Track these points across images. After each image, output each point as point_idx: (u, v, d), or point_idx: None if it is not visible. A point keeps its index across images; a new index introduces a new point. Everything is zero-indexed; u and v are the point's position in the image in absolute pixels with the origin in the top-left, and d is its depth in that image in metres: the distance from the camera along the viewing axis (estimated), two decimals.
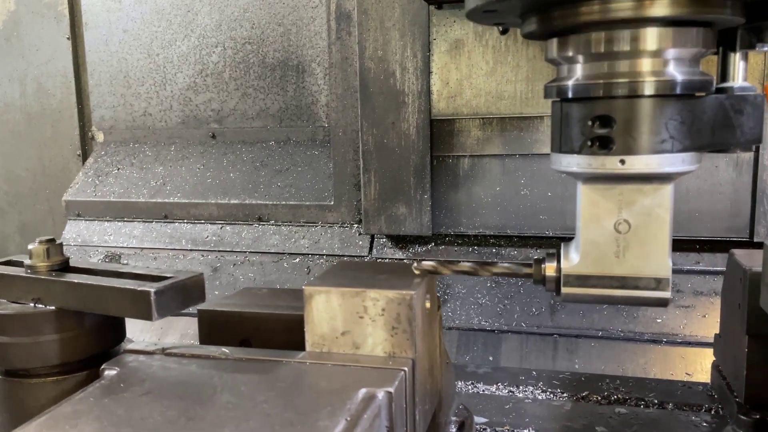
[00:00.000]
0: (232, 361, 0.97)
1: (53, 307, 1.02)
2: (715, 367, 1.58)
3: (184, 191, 2.42)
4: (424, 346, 1.02)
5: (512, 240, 2.11)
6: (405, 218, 2.09)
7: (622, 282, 1.05)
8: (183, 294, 1.00)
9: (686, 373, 1.86)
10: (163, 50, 2.47)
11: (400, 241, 2.18)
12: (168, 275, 1.02)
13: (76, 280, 1.01)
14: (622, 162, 0.97)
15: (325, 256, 2.25)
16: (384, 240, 2.20)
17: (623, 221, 1.04)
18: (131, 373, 0.93)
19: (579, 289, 1.07)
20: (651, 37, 0.95)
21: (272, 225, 2.34)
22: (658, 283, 1.04)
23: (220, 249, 2.35)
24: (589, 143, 0.99)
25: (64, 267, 1.08)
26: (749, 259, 1.34)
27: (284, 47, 2.36)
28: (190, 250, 2.37)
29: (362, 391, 0.85)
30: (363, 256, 2.20)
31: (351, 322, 0.98)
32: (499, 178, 2.06)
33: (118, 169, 2.56)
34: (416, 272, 1.13)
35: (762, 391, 1.32)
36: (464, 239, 2.14)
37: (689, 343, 1.89)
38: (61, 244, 1.08)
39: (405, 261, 1.93)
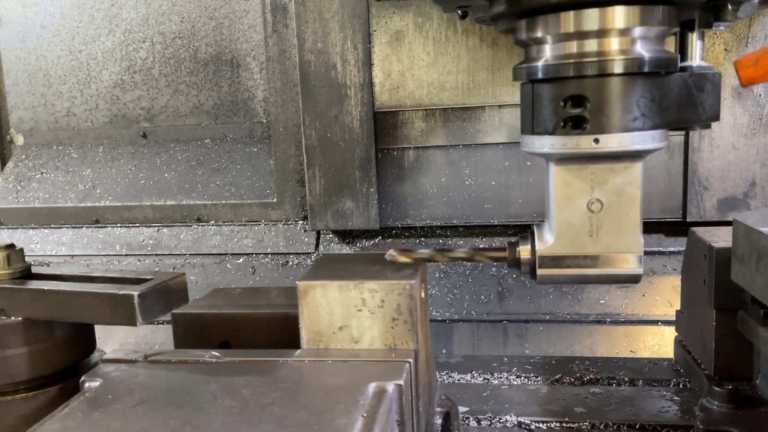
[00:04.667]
0: (224, 364, 0.92)
1: (20, 318, 0.94)
2: (679, 342, 1.63)
3: (116, 194, 2.31)
4: (423, 336, 1.00)
5: (458, 230, 2.13)
6: (352, 213, 2.06)
7: (596, 261, 1.07)
8: (166, 296, 0.94)
9: (630, 351, 1.93)
10: (86, 46, 2.34)
11: (346, 236, 2.15)
12: (148, 277, 0.95)
13: (45, 287, 0.93)
14: (596, 141, 0.99)
15: (270, 255, 2.19)
16: (330, 236, 2.17)
17: (596, 200, 1.06)
18: (116, 384, 0.86)
19: (554, 270, 1.08)
20: (620, 16, 0.96)
21: (212, 225, 2.26)
22: (631, 260, 1.06)
23: (158, 253, 2.25)
24: (562, 124, 1.00)
25: (27, 274, 0.99)
26: (711, 236, 1.38)
27: (216, 41, 2.28)
28: (126, 255, 2.26)
29: (372, 386, 0.82)
30: (309, 253, 2.17)
31: (349, 316, 0.95)
32: (444, 169, 2.07)
33: (42, 173, 2.41)
34: (397, 261, 1.11)
35: (731, 363, 1.36)
36: (411, 231, 2.14)
37: (632, 322, 1.96)
38: (21, 250, 0.99)
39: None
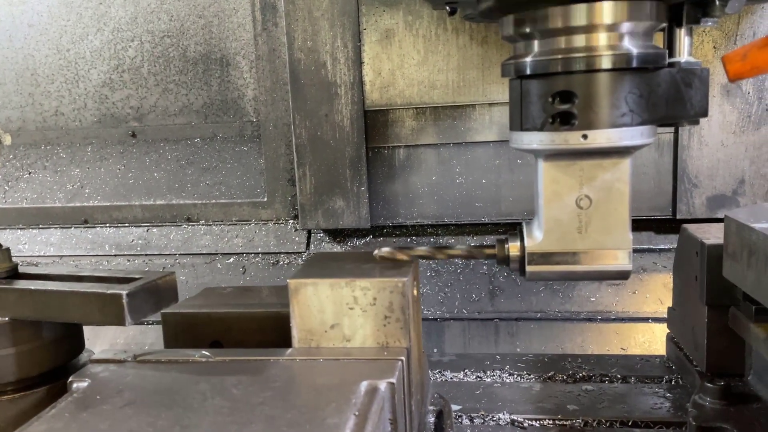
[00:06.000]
0: (215, 363, 0.90)
1: (6, 318, 0.92)
2: (671, 339, 1.63)
3: (105, 194, 2.30)
4: (415, 334, 0.99)
5: (449, 228, 2.12)
6: (343, 212, 2.05)
7: (586, 257, 1.07)
8: (155, 296, 0.93)
9: (621, 348, 1.93)
10: (74, 45, 2.33)
11: (337, 235, 2.15)
12: (136, 276, 0.93)
13: (32, 287, 0.92)
14: (585, 137, 0.99)
15: (260, 255, 2.19)
16: (321, 235, 2.16)
17: (584, 197, 1.05)
18: (105, 384, 0.85)
19: (543, 266, 1.08)
20: (607, 11, 0.96)
21: (203, 225, 2.25)
22: (620, 257, 1.06)
23: (148, 253, 2.24)
24: (551, 120, 1.00)
25: (14, 273, 0.98)
26: (702, 233, 1.38)
27: (206, 40, 2.27)
28: (115, 255, 2.25)
29: (364, 384, 0.81)
30: (300, 253, 2.16)
31: (341, 314, 0.94)
32: (434, 168, 2.07)
33: (30, 173, 2.39)
34: (377, 259, 1.11)
35: (723, 359, 1.37)
36: (402, 230, 2.14)
37: (622, 320, 1.96)
38: (8, 249, 0.97)
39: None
